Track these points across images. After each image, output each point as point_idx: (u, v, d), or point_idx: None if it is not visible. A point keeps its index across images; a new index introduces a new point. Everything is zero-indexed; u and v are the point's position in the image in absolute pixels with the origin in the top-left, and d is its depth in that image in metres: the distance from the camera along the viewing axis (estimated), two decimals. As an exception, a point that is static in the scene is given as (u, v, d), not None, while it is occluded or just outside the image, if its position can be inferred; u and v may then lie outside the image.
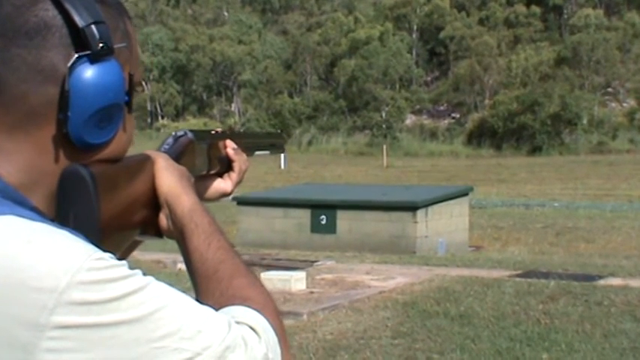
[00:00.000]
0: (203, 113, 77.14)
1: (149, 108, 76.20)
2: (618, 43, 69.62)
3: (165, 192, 1.18)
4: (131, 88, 1.09)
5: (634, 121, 65.46)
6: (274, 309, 1.10)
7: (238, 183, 1.47)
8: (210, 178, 1.43)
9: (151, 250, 13.25)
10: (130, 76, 1.09)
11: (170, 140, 1.33)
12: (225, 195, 1.47)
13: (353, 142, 66.28)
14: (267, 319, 1.06)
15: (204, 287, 1.12)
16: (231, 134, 1.49)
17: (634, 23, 72.02)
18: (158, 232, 1.21)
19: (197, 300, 1.05)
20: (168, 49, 78.24)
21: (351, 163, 53.30)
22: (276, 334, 1.06)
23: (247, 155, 1.51)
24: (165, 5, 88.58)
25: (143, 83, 74.21)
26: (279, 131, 1.84)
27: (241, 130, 1.50)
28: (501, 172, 44.32)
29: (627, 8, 76.34)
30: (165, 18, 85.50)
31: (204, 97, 79.24)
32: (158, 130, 67.41)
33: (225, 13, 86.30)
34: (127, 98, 1.08)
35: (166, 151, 1.29)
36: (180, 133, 1.35)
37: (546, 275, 11.62)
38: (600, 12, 74.11)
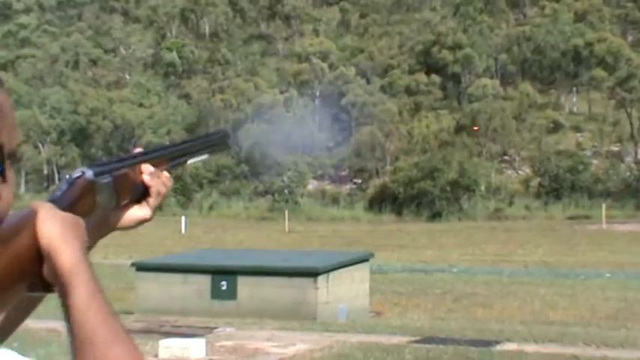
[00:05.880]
0: (103, 176, 75.95)
1: (45, 171, 74.72)
2: (514, 113, 71.90)
3: (45, 245, 1.12)
4: (2, 157, 1.07)
5: (529, 188, 67.39)
6: None
7: (157, 206, 1.41)
8: (123, 207, 1.36)
9: (44, 318, 12.83)
10: (0, 146, 1.07)
11: (64, 186, 1.23)
12: (146, 221, 1.40)
13: (255, 207, 66.24)
14: None
15: (77, 349, 1.07)
16: (146, 153, 1.42)
17: (528, 93, 74.59)
18: (47, 287, 1.15)
19: None
20: (67, 111, 77.12)
21: (253, 228, 53.15)
22: None
23: (181, 165, 1.46)
24: (65, 67, 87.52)
25: (40, 145, 72.91)
26: (219, 131, 1.69)
27: (166, 144, 1.39)
28: (402, 238, 44.82)
29: (522, 79, 79.09)
30: (65, 80, 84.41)
31: (104, 160, 78.10)
32: (55, 193, 66.03)
33: (127, 76, 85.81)
34: None
35: (58, 198, 1.21)
36: (76, 174, 1.25)
37: (444, 341, 11.71)
38: (496, 82, 76.56)
